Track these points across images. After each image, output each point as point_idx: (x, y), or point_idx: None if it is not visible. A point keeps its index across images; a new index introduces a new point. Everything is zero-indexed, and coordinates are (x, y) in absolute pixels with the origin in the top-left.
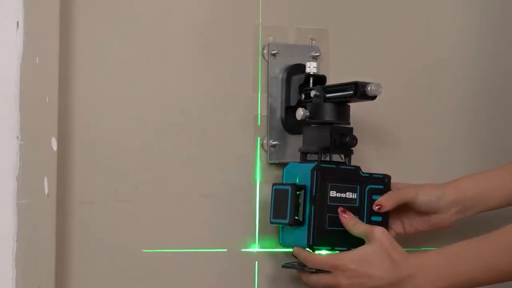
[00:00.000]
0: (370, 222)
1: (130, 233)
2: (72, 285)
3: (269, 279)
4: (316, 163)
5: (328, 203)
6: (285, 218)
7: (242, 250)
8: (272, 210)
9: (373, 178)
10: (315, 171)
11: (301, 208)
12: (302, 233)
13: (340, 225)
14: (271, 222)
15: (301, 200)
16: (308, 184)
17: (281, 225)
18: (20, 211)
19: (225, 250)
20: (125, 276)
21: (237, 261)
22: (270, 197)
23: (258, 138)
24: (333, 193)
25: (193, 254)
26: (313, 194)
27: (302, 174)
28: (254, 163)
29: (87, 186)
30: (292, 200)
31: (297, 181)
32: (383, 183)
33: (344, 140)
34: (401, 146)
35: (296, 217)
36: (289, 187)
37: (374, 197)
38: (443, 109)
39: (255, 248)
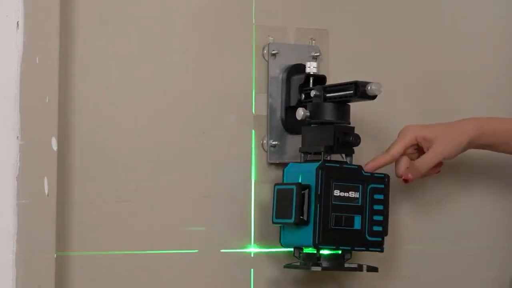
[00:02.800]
0: (372, 221)
1: (129, 233)
2: (72, 285)
3: (267, 279)
4: (321, 162)
5: (333, 202)
6: (290, 218)
7: (241, 250)
8: (274, 210)
9: (374, 177)
10: (320, 170)
11: (305, 208)
12: (306, 233)
13: (344, 224)
14: (273, 222)
15: (305, 200)
16: (313, 183)
17: (282, 226)
18: (20, 211)
19: (225, 250)
20: (125, 276)
21: (236, 261)
22: (272, 197)
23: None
24: (337, 192)
25: (192, 254)
26: (318, 193)
27: (306, 173)
28: (254, 163)
29: (87, 186)
30: (297, 200)
31: (300, 180)
32: (383, 182)
33: (347, 139)
34: None
35: (301, 217)
36: (294, 187)
37: (375, 196)
38: (443, 108)
39: (255, 248)
